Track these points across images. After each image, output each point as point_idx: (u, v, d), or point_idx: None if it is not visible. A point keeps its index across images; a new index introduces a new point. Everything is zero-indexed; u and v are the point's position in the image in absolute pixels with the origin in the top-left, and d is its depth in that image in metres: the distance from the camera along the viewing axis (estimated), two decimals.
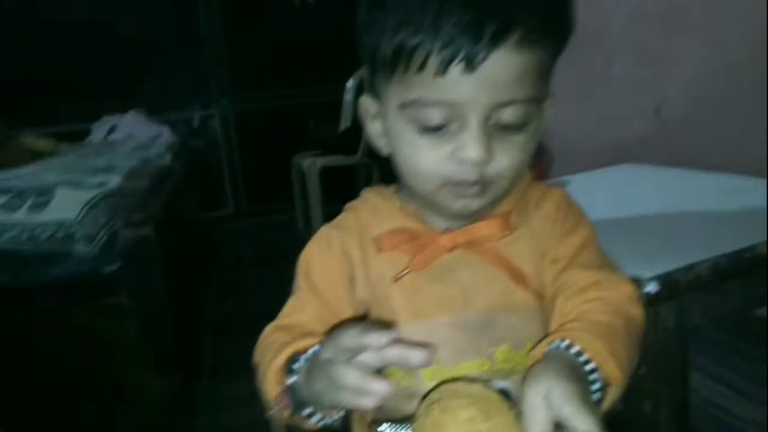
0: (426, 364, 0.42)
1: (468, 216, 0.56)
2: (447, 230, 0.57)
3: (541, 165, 2.23)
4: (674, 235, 0.91)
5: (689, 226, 0.95)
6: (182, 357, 1.49)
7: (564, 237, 0.58)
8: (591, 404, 0.41)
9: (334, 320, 0.56)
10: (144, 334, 1.21)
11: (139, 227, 1.20)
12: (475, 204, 0.54)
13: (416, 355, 0.42)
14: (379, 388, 0.40)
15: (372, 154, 0.57)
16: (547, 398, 0.40)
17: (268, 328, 0.56)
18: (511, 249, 0.57)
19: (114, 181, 1.39)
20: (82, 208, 1.19)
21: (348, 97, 2.97)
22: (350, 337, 0.43)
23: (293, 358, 0.49)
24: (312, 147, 3.11)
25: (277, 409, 0.48)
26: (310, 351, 0.49)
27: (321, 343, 0.49)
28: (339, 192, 0.66)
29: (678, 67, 1.75)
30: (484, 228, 0.56)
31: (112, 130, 2.74)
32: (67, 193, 1.26)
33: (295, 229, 3.15)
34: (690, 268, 0.75)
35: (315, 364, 0.46)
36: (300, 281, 0.59)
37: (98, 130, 2.77)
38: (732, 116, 1.61)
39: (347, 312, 0.57)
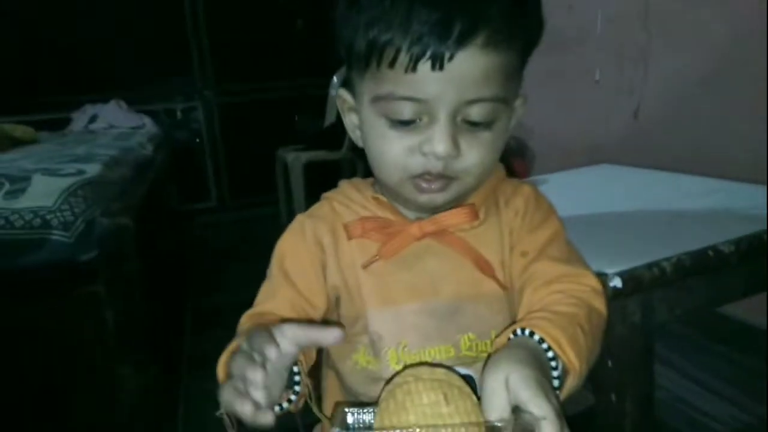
0: (336, 342, 0.47)
1: (434, 209, 0.57)
2: (418, 219, 0.58)
3: (523, 163, 2.26)
4: (642, 234, 0.93)
5: (657, 225, 0.97)
6: (161, 349, 1.49)
7: (533, 231, 0.59)
8: (549, 390, 0.42)
9: (306, 306, 0.58)
10: (120, 324, 1.21)
11: (118, 216, 1.19)
12: (439, 198, 0.55)
13: (327, 335, 0.47)
14: (241, 409, 0.42)
15: (356, 149, 0.58)
16: (506, 383, 0.41)
17: (243, 316, 0.58)
18: (478, 239, 0.58)
19: (93, 169, 1.38)
20: (60, 195, 1.18)
21: (333, 92, 2.97)
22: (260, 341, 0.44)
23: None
24: (297, 141, 3.11)
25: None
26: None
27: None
28: (323, 186, 0.67)
29: (656, 71, 1.79)
30: (452, 217, 0.57)
31: (93, 119, 2.71)
32: (45, 181, 1.25)
33: (278, 223, 3.15)
34: (654, 264, 0.77)
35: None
36: (273, 268, 0.60)
37: (79, 119, 2.74)
38: (708, 119, 1.65)
39: (319, 298, 0.58)
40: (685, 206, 1.06)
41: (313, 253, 0.59)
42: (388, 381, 0.49)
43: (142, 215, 1.33)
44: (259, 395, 0.42)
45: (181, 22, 3.45)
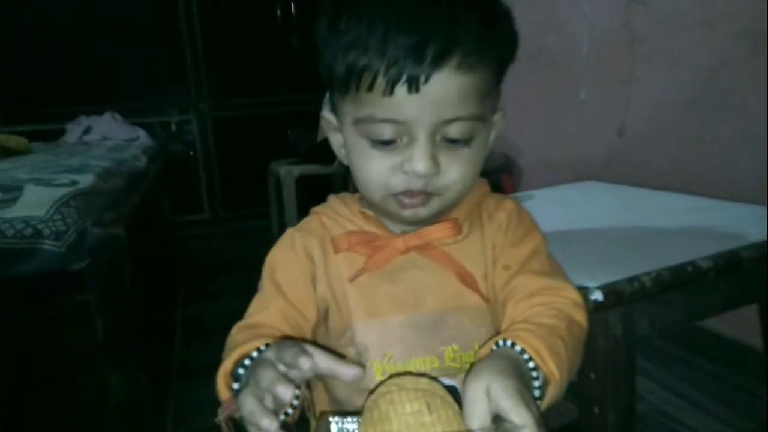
0: (354, 380, 0.46)
1: (418, 223, 0.59)
2: (403, 233, 0.59)
3: (510, 180, 2.29)
4: (623, 249, 0.95)
5: (638, 240, 0.99)
6: (150, 358, 1.48)
7: (515, 245, 0.61)
8: (530, 400, 0.43)
9: (298, 318, 0.59)
10: (110, 333, 1.21)
11: (110, 226, 1.20)
12: (423, 212, 0.57)
13: (347, 371, 0.46)
14: (267, 425, 0.41)
15: (347, 165, 0.60)
16: (487, 392, 0.42)
17: (234, 328, 0.58)
18: (462, 253, 0.60)
19: (86, 180, 1.38)
20: (52, 205, 1.18)
21: (325, 107, 3.00)
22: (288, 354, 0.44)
23: (241, 362, 0.50)
24: (289, 155, 3.13)
25: (226, 414, 0.48)
26: (253, 354, 0.49)
27: (265, 346, 0.50)
28: (314, 200, 0.68)
29: (641, 91, 1.83)
30: (437, 231, 0.58)
31: (87, 130, 2.71)
32: (37, 190, 1.26)
33: (269, 236, 3.15)
34: (634, 279, 0.79)
35: (250, 369, 0.47)
36: (264, 281, 0.61)
37: (73, 131, 2.74)
38: (689, 139, 1.69)
39: (310, 310, 0.59)
40: (666, 223, 1.08)
41: (304, 266, 0.60)
42: (373, 391, 0.49)
43: (134, 226, 1.34)
44: (288, 412, 0.43)
45: (178, 35, 3.47)
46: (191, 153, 3.63)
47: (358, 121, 0.54)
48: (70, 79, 3.20)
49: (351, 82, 0.52)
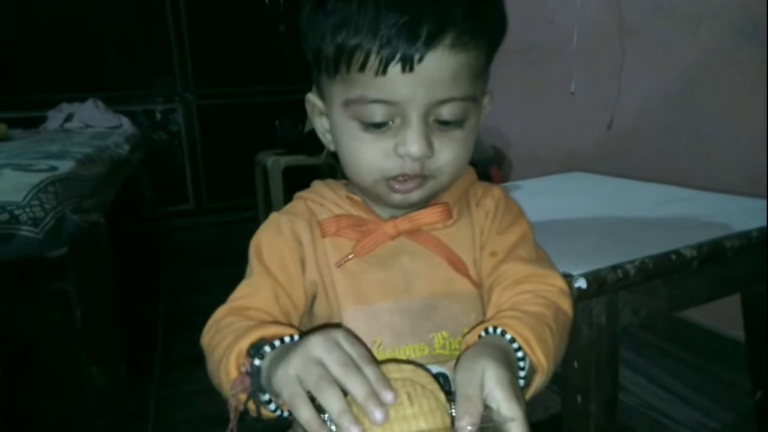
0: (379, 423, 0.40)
1: (408, 207, 0.58)
2: (392, 218, 0.58)
3: (499, 172, 2.28)
4: (608, 238, 0.95)
5: (624, 230, 0.99)
6: (131, 350, 1.46)
7: (502, 232, 0.60)
8: (519, 391, 0.43)
9: (288, 303, 0.57)
10: (90, 323, 1.19)
11: (89, 213, 1.18)
12: (414, 196, 0.56)
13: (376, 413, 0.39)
14: None
15: (336, 155, 0.58)
16: (482, 380, 0.42)
17: (221, 311, 0.56)
18: (451, 238, 0.59)
19: (66, 166, 1.35)
20: (30, 191, 1.16)
21: None
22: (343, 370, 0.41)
23: (257, 344, 0.48)
24: (276, 145, 3.11)
25: (235, 392, 0.47)
26: (285, 339, 0.47)
27: (295, 335, 0.48)
28: (301, 191, 0.67)
29: (629, 85, 1.83)
30: (427, 216, 0.58)
31: (69, 118, 2.66)
32: (14, 176, 1.23)
33: (255, 227, 3.12)
34: (618, 266, 0.78)
35: (283, 358, 0.43)
36: (253, 264, 0.59)
37: (54, 118, 2.69)
38: (677, 132, 1.69)
39: (299, 295, 0.58)
40: (651, 213, 1.08)
41: (293, 249, 0.58)
42: None
43: (114, 213, 1.31)
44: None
45: (163, 23, 3.42)
46: (176, 143, 3.59)
47: (348, 103, 0.53)
48: (54, 66, 3.15)
49: (341, 62, 0.51)
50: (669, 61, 1.69)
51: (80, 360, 1.21)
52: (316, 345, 0.42)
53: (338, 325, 0.56)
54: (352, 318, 0.56)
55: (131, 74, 3.34)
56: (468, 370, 0.43)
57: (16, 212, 1.12)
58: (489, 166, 2.19)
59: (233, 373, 0.48)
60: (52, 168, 1.32)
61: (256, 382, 0.46)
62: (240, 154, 3.32)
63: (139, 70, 3.38)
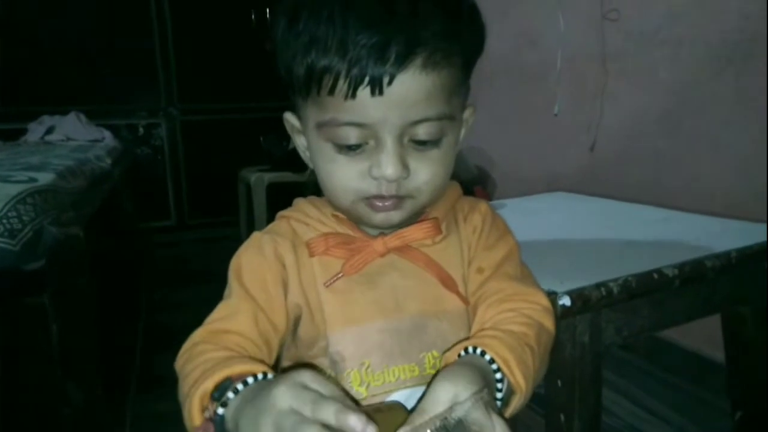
0: None
1: (391, 227, 0.57)
2: (381, 235, 0.57)
3: (484, 192, 2.30)
4: (592, 257, 0.96)
5: (607, 249, 1.00)
6: (108, 367, 1.43)
7: (489, 248, 0.60)
8: (496, 411, 0.42)
9: (268, 326, 0.54)
10: (66, 338, 1.16)
11: (68, 226, 1.16)
12: (395, 216, 0.55)
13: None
14: None
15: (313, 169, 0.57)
16: (454, 401, 0.41)
17: (197, 334, 0.53)
18: (441, 254, 0.58)
19: (45, 178, 1.33)
20: (8, 202, 1.13)
21: None
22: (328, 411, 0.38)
23: (222, 384, 0.45)
24: (260, 161, 3.09)
25: None
26: (248, 381, 0.44)
27: (260, 374, 0.45)
28: (285, 208, 0.65)
29: (612, 108, 1.87)
30: (417, 231, 0.57)
31: (50, 130, 2.63)
32: None
33: (238, 244, 3.09)
34: (602, 285, 0.79)
35: (252, 402, 0.41)
36: (232, 285, 0.56)
37: (35, 130, 2.65)
38: (658, 155, 1.73)
39: (280, 318, 0.55)
40: (635, 233, 1.09)
41: (275, 271, 0.56)
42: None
43: (94, 227, 1.29)
44: None
45: (149, 38, 3.42)
46: (159, 158, 3.56)
47: (320, 125, 0.52)
48: (36, 79, 3.12)
49: (312, 84, 0.50)
50: (651, 84, 1.73)
51: (55, 376, 1.17)
52: (283, 396, 0.38)
53: (307, 365, 0.54)
54: (339, 339, 0.55)
55: (115, 88, 3.32)
56: (442, 389, 0.42)
57: None
58: (473, 185, 2.21)
59: (197, 419, 0.45)
60: (32, 179, 1.30)
61: (220, 430, 0.43)
62: (223, 170, 3.30)
63: (123, 84, 3.36)
